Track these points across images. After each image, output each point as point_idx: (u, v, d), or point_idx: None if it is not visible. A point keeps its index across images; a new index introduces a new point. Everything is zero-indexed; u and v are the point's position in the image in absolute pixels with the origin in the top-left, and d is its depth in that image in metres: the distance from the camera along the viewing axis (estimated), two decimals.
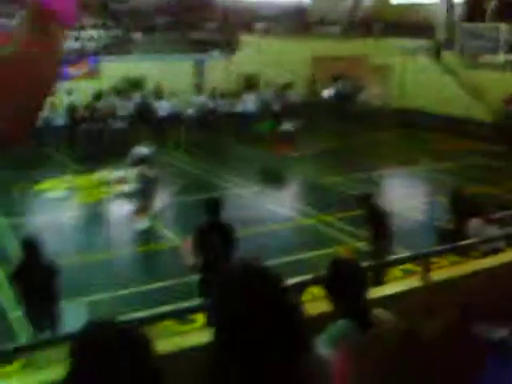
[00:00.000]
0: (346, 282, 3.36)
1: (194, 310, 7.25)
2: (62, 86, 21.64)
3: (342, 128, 22.74)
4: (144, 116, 21.69)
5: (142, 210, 12.24)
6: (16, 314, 8.30)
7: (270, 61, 24.91)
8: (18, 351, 4.91)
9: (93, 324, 1.79)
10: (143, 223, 12.13)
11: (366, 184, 15.09)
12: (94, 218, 13.19)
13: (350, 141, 21.35)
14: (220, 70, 24.91)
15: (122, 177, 14.46)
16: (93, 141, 19.52)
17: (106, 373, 1.65)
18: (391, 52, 25.59)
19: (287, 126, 19.55)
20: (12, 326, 8.39)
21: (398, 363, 2.84)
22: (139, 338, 1.77)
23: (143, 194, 12.32)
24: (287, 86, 24.95)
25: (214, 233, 7.84)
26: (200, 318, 7.96)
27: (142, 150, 13.65)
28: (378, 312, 3.31)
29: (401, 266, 9.43)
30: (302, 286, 6.25)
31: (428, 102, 24.03)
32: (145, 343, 1.75)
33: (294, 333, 1.76)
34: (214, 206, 8.14)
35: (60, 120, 20.63)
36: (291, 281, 6.28)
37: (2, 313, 8.80)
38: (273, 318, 1.74)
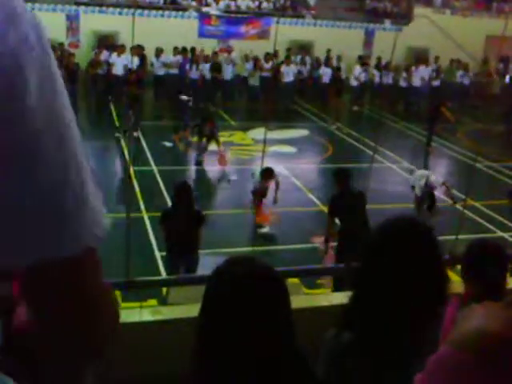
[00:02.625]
0: (486, 265, 3.25)
1: (323, 273, 7.56)
2: (229, 43, 22.50)
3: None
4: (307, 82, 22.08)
5: None
6: (162, 254, 8.93)
7: (442, 36, 24.17)
8: (156, 284, 5.44)
9: (231, 259, 1.79)
10: None
11: None
12: (243, 174, 13.65)
13: None
14: (389, 41, 24.50)
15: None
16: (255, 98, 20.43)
17: (238, 307, 1.66)
18: None
19: None
20: (157, 264, 9.13)
21: None
22: (275, 276, 1.76)
23: None
24: (454, 65, 24.13)
25: (347, 201, 8.08)
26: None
27: None
28: None
29: None
30: None
31: None
32: (280, 282, 1.75)
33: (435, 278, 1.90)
34: (342, 176, 8.37)
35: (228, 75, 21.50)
36: None
37: (150, 251, 9.56)
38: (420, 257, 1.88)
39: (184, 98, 16.46)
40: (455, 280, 5.80)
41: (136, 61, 20.09)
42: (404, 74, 23.10)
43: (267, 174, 10.73)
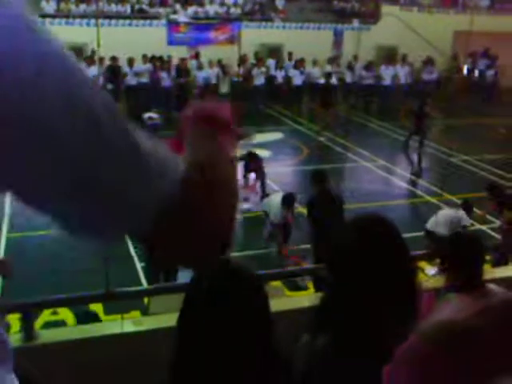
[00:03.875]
0: (463, 257, 3.33)
1: (303, 275, 7.58)
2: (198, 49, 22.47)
3: (478, 107, 21.86)
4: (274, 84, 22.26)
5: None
6: (141, 264, 8.97)
7: (410, 34, 24.38)
8: (135, 294, 5.38)
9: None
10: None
11: (501, 168, 14.71)
12: None
13: (489, 120, 20.50)
14: (358, 40, 24.71)
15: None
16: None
17: (215, 311, 1.65)
18: None
19: None
20: (137, 274, 9.06)
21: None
22: (253, 278, 1.76)
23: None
24: (427, 62, 24.35)
25: (325, 202, 8.12)
26: (311, 287, 8.20)
27: None
28: (490, 287, 3.19)
29: None
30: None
31: None
32: (257, 285, 1.75)
33: (401, 275, 1.82)
34: (318, 178, 8.42)
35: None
36: None
37: (131, 261, 9.49)
38: (386, 261, 1.80)
39: (150, 116, 14.59)
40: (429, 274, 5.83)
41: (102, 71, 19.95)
42: (374, 73, 23.29)
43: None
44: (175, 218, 0.82)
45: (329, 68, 22.74)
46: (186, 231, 0.85)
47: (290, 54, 23.46)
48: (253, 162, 11.99)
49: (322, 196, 8.27)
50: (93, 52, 19.17)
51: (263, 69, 22.26)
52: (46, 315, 7.24)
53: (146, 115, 14.43)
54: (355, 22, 25.96)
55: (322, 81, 22.00)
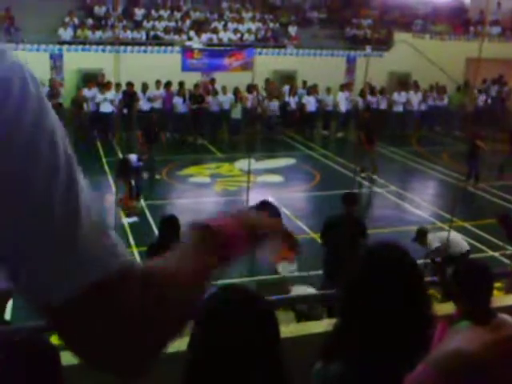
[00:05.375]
0: (471, 284, 3.25)
1: (314, 301, 7.52)
2: (213, 75, 22.61)
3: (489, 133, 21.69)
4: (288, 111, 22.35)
5: None
6: None
7: (423, 60, 24.46)
8: None
9: (220, 288, 1.79)
10: None
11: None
12: (233, 205, 13.64)
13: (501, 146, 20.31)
14: (371, 67, 24.70)
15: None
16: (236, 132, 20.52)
17: (225, 336, 1.66)
18: None
19: None
20: None
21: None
22: (262, 304, 1.78)
23: None
24: (439, 89, 24.34)
25: (342, 226, 8.13)
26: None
27: None
28: (503, 317, 3.05)
29: None
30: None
31: None
32: (267, 312, 1.76)
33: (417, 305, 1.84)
34: (350, 200, 8.46)
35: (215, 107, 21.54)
36: None
37: None
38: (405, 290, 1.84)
39: (139, 158, 13.67)
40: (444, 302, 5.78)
41: (119, 96, 20.13)
42: (387, 99, 23.34)
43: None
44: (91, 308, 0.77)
45: (341, 94, 22.80)
46: (103, 329, 0.80)
47: (305, 83, 23.54)
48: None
49: (345, 218, 8.32)
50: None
51: (276, 101, 22.29)
52: (53, 340, 7.24)
53: (133, 156, 13.96)
54: (368, 49, 26.05)
55: (343, 108, 22.15)
